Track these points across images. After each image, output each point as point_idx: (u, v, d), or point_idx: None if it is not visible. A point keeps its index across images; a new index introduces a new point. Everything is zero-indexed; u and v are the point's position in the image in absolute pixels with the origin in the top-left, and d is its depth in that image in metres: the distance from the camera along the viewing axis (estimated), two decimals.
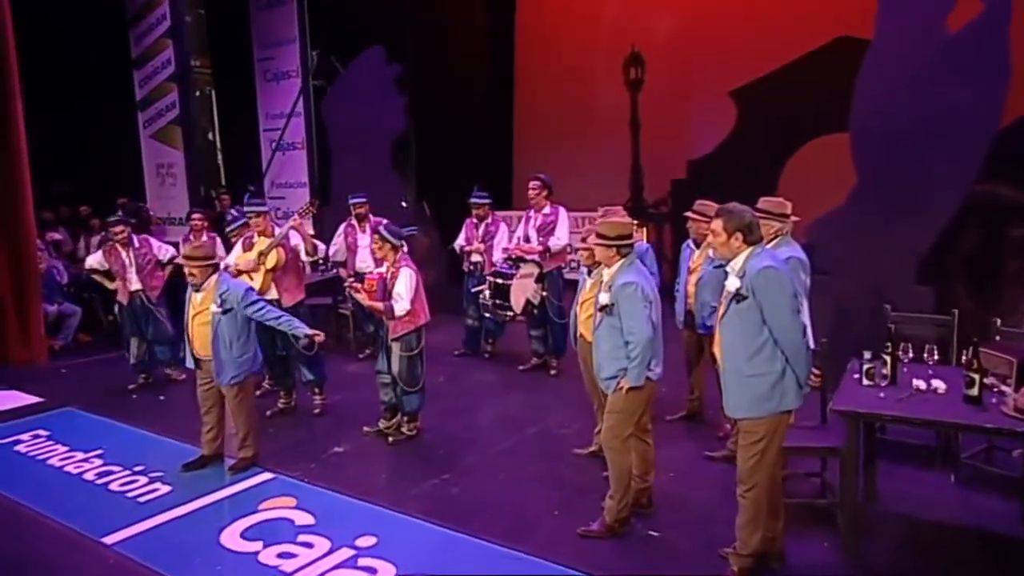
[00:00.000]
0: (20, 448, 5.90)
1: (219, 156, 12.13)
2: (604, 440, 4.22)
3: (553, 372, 7.17)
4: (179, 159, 10.00)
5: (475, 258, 7.63)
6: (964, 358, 3.95)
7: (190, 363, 5.31)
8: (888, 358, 4.16)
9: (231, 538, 4.37)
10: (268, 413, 6.28)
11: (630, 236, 4.17)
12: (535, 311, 7.15)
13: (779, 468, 3.81)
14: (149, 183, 10.47)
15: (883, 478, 4.50)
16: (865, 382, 4.11)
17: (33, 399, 7.08)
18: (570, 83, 10.93)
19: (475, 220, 7.63)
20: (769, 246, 4.53)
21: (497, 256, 7.38)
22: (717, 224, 3.65)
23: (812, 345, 4.49)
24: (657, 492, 4.51)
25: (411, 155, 10.69)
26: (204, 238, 7.46)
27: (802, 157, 9.11)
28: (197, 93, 13.64)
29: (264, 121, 10.78)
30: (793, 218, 4.68)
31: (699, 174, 9.84)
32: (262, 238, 6.27)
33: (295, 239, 6.36)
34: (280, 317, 5.24)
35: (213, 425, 5.37)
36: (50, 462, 5.60)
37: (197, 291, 5.13)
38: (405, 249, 7.43)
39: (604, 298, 4.11)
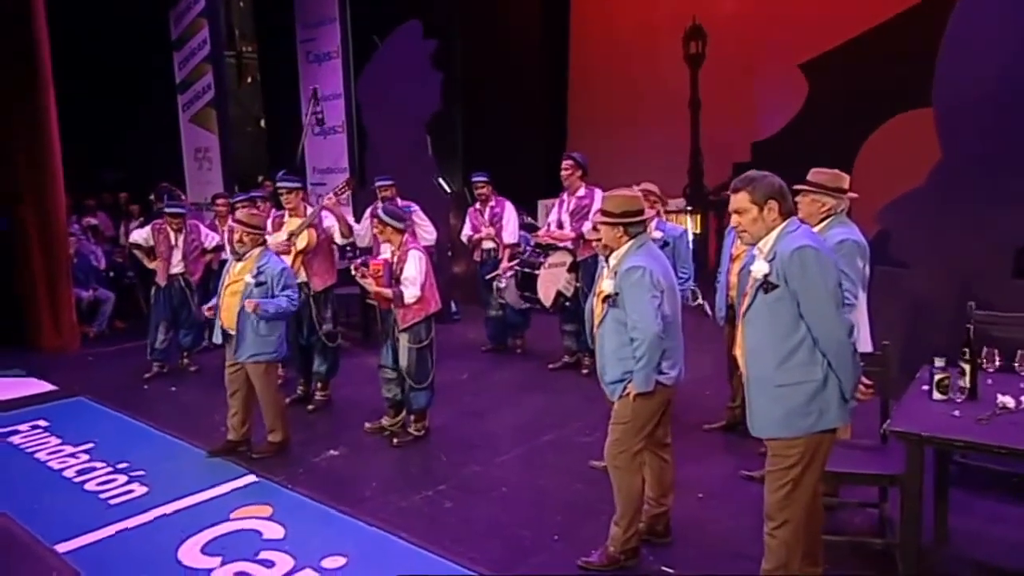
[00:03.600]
0: (14, 439, 5.61)
1: (267, 143, 11.93)
2: (608, 456, 3.54)
3: (585, 372, 6.47)
4: (215, 143, 9.75)
5: (487, 244, 7.06)
6: None
7: (218, 338, 5.11)
8: (967, 366, 3.33)
9: (190, 552, 3.90)
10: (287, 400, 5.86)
11: (640, 212, 3.46)
12: (567, 304, 6.49)
13: (819, 501, 3.05)
14: (188, 167, 10.27)
15: (957, 513, 3.65)
16: (936, 396, 3.30)
17: (49, 387, 6.87)
18: (627, 60, 10.20)
19: (478, 207, 7.09)
20: (820, 226, 3.80)
21: (508, 237, 6.78)
22: (742, 198, 2.92)
23: (869, 348, 3.72)
24: (679, 517, 3.81)
25: (457, 137, 10.16)
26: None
27: (881, 137, 8.16)
28: (249, 80, 13.57)
29: (306, 104, 10.43)
30: (850, 194, 3.89)
31: (764, 157, 8.94)
32: (293, 218, 5.89)
33: (328, 220, 5.97)
34: (284, 311, 4.91)
35: (239, 409, 5.09)
36: (37, 455, 5.29)
37: (239, 260, 5.00)
38: (432, 238, 7.01)
39: (608, 286, 3.44)
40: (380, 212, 5.15)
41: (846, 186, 3.88)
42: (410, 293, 4.98)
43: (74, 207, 9.52)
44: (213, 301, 5.20)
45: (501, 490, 4.43)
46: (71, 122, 8.38)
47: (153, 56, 10.20)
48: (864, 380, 3.10)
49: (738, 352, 3.03)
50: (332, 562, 3.72)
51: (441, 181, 8.84)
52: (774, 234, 2.88)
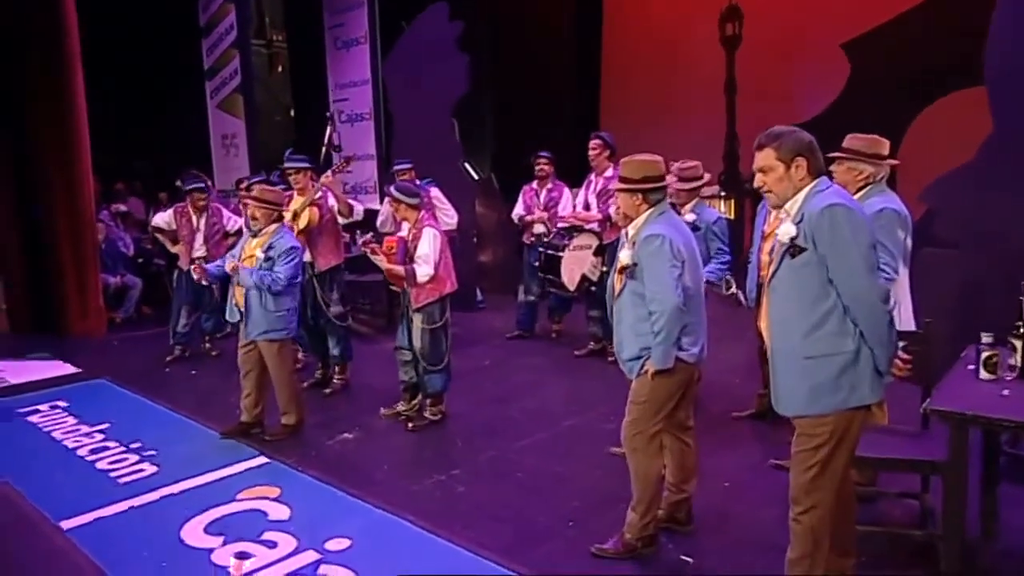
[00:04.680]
0: (33, 419, 5.60)
1: (295, 132, 11.87)
2: (625, 437, 3.33)
3: (611, 359, 6.23)
4: (242, 129, 9.72)
5: (538, 228, 6.77)
6: None
7: (231, 315, 5.01)
8: (1019, 343, 3.06)
9: (193, 531, 3.79)
10: (304, 384, 5.77)
11: (660, 178, 3.25)
12: (592, 288, 6.27)
13: (850, 487, 2.81)
14: (215, 154, 10.26)
15: (1008, 506, 3.37)
16: (983, 374, 3.04)
17: (73, 370, 6.87)
18: (661, 42, 9.91)
19: (534, 187, 6.83)
20: (858, 196, 3.54)
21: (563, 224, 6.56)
22: (767, 155, 2.68)
23: (912, 327, 3.46)
24: (702, 506, 3.59)
25: (485, 122, 9.99)
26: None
27: (928, 119, 7.77)
28: (280, 68, 13.55)
29: (334, 92, 10.37)
30: (890, 161, 3.62)
31: None
32: (299, 197, 5.81)
33: (331, 200, 5.86)
34: (284, 286, 4.76)
35: (251, 391, 5.00)
36: (53, 435, 5.25)
37: (254, 236, 4.93)
38: (453, 222, 6.83)
39: (625, 256, 3.23)
40: (392, 189, 5.02)
41: (885, 152, 3.61)
42: (423, 271, 4.82)
43: (103, 193, 9.57)
44: (211, 266, 5.16)
45: (517, 476, 4.25)
46: (99, 108, 8.38)
47: (181, 42, 10.21)
48: (901, 355, 2.85)
49: (762, 324, 2.80)
50: (336, 544, 3.58)
51: (467, 166, 8.66)
52: (802, 194, 2.65)
